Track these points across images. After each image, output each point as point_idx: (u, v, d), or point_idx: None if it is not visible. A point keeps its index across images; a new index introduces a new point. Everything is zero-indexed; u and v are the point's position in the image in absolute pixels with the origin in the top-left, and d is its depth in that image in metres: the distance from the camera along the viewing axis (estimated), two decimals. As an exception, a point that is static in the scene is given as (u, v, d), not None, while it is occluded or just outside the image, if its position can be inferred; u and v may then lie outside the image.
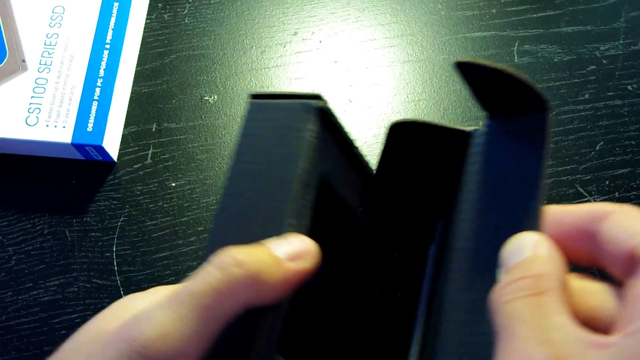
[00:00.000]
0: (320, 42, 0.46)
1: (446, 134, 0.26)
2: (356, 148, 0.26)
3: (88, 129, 0.40)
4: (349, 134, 0.25)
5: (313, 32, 0.46)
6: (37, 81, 0.41)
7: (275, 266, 0.21)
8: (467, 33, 0.45)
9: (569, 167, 0.41)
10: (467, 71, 0.23)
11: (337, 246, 0.27)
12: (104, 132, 0.40)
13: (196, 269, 0.20)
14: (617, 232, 0.20)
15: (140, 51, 0.45)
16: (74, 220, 0.41)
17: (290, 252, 0.22)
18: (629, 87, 0.43)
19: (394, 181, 0.29)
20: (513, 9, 0.46)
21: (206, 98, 0.44)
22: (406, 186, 0.29)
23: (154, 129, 0.43)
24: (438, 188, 0.28)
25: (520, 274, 0.19)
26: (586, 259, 0.21)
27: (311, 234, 0.22)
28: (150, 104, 0.44)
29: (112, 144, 0.41)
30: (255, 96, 0.25)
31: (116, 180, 0.42)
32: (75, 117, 0.40)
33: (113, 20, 0.43)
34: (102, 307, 0.39)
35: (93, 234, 0.40)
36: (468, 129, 0.25)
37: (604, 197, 0.40)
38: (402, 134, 0.27)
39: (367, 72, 0.44)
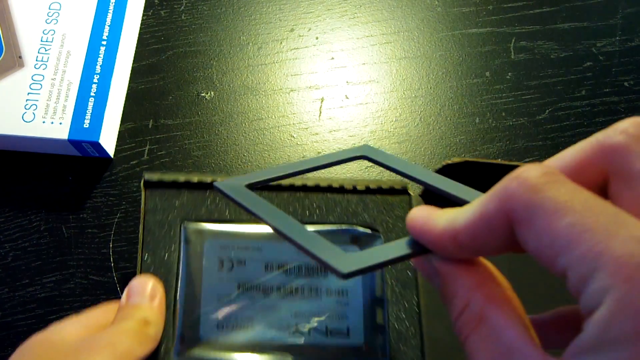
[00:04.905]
0: (317, 38, 0.46)
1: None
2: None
3: (85, 125, 0.40)
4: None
5: (310, 29, 0.46)
6: (34, 77, 0.41)
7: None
8: (464, 29, 0.45)
9: (565, 163, 0.41)
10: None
11: None
12: (101, 128, 0.40)
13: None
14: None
15: (136, 47, 0.45)
16: (71, 217, 0.41)
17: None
18: (626, 84, 0.44)
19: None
20: (510, 5, 0.46)
21: (203, 94, 0.44)
22: None
23: (150, 126, 0.43)
24: None
25: (459, 306, 0.19)
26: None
27: None
28: (147, 100, 0.44)
29: (108, 140, 0.41)
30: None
31: (113, 177, 0.42)
32: (71, 114, 0.40)
33: (110, 16, 0.43)
34: (99, 303, 0.39)
35: (90, 230, 0.40)
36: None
37: (600, 193, 0.41)
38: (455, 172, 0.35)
39: (364, 69, 0.44)
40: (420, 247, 0.20)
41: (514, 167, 0.33)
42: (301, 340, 0.34)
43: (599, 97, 0.43)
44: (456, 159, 0.36)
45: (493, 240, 0.18)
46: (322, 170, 0.31)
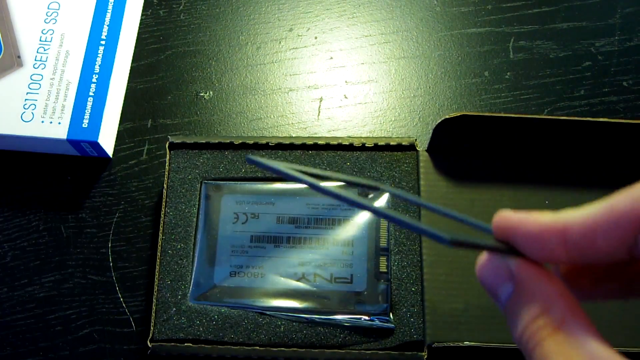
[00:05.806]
0: (316, 38, 0.46)
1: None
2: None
3: (83, 125, 0.40)
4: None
5: (308, 28, 0.46)
6: (33, 77, 0.41)
7: None
8: (463, 29, 0.45)
9: (564, 163, 0.41)
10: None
11: None
12: (100, 128, 0.40)
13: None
14: None
15: (135, 47, 0.45)
16: (70, 217, 0.41)
17: None
18: (624, 84, 0.44)
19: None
20: (508, 4, 0.46)
21: (201, 94, 0.44)
22: None
23: (149, 125, 0.43)
24: None
25: (535, 311, 0.18)
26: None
27: None
28: (146, 100, 0.44)
29: (107, 140, 0.41)
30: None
31: (111, 177, 0.42)
32: (70, 113, 0.40)
33: (108, 16, 0.43)
34: (98, 303, 0.39)
35: (88, 230, 0.40)
36: None
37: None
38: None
39: (363, 68, 0.44)
40: (503, 245, 0.19)
41: (512, 118, 0.36)
42: (307, 286, 0.36)
43: (598, 96, 0.43)
44: (453, 114, 0.36)
45: (608, 241, 0.17)
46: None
